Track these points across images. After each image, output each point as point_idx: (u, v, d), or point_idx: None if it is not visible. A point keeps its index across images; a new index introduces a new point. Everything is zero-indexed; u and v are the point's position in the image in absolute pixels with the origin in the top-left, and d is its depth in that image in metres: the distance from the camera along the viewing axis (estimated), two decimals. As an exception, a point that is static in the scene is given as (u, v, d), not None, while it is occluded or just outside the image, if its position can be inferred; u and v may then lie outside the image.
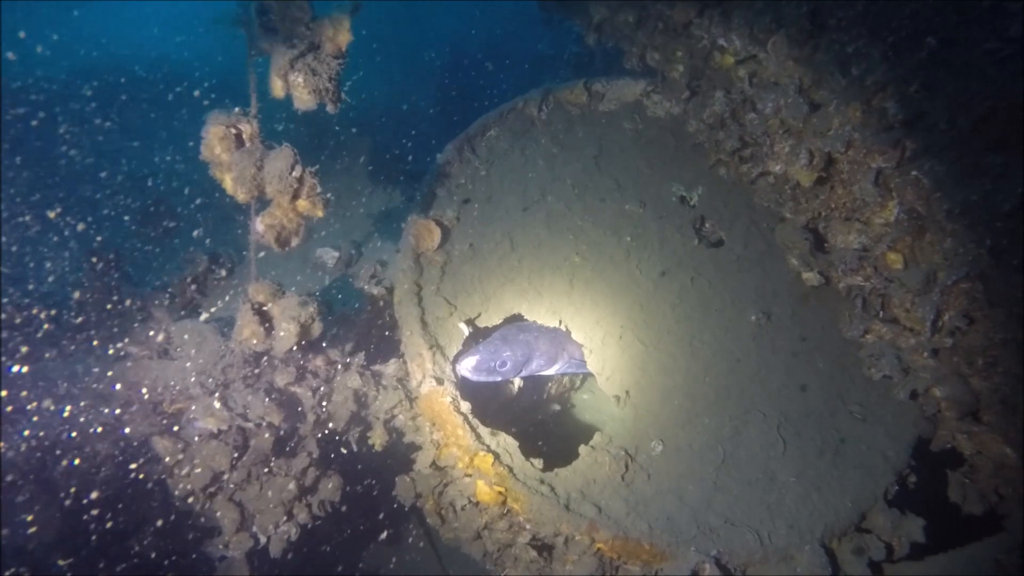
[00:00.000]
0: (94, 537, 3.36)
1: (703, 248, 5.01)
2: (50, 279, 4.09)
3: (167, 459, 3.38)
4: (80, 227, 4.68)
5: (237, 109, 2.90)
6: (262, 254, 3.56)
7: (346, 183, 6.08)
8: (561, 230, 4.91)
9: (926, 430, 4.09)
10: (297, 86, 2.77)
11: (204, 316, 4.14)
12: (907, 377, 3.85)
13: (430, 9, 15.58)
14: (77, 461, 2.99)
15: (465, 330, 4.38)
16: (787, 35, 4.07)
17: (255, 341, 3.18)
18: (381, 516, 4.88)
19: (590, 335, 4.52)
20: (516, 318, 4.58)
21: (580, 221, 4.98)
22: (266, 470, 3.65)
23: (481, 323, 4.49)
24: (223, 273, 4.63)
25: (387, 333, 4.41)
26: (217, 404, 3.38)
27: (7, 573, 2.99)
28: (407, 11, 15.47)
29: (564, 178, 5.18)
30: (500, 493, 3.73)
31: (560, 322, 4.53)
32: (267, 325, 3.26)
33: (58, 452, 3.00)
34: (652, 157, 5.42)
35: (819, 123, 4.01)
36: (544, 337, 4.54)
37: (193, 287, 4.47)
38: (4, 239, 4.49)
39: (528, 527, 3.81)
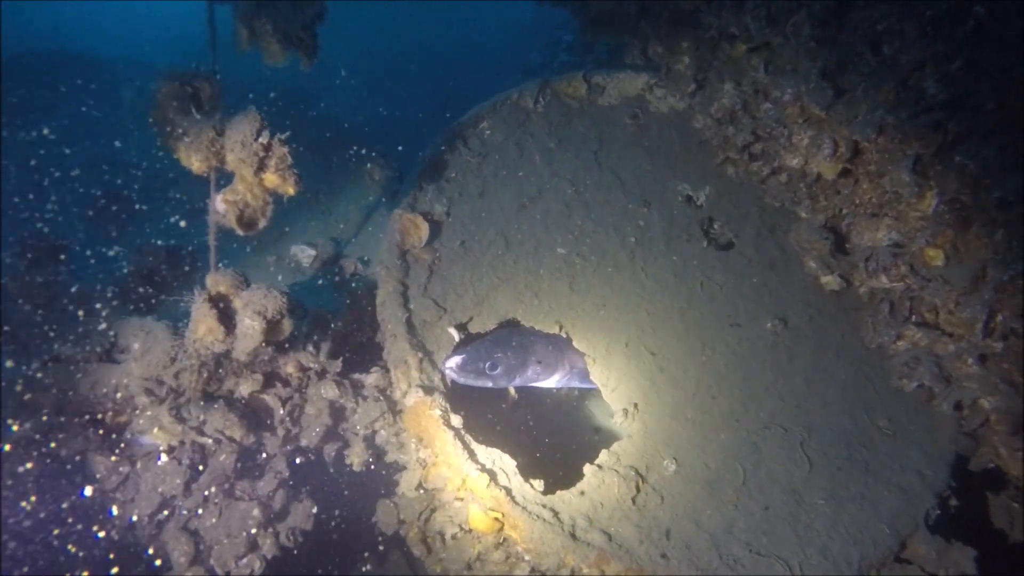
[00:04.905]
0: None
1: (712, 250, 4.66)
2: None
3: (106, 481, 2.88)
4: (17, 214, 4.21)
5: (195, 64, 2.47)
6: (237, 256, 3.11)
7: (325, 177, 5.67)
8: (560, 229, 4.54)
9: (965, 446, 3.70)
10: (265, 34, 2.36)
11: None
12: (949, 387, 3.47)
13: (420, 20, 15.48)
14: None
15: (455, 335, 3.94)
16: (809, 14, 3.75)
17: (213, 339, 2.72)
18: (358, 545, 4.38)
19: (593, 343, 4.11)
20: (512, 323, 4.16)
21: (580, 220, 4.61)
22: (226, 493, 3.16)
23: (473, 328, 4.06)
24: (186, 269, 4.16)
25: (368, 337, 3.95)
26: (168, 415, 2.88)
27: None
28: (397, 23, 15.36)
29: (562, 174, 4.82)
30: (496, 519, 3.26)
31: (560, 328, 4.12)
32: (228, 322, 2.80)
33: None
34: (656, 154, 5.09)
35: (845, 109, 3.68)
36: (542, 343, 4.11)
37: (146, 282, 3.97)
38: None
39: (528, 558, 3.36)
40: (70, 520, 2.81)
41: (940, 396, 3.50)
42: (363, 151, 5.89)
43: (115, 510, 2.97)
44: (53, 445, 2.64)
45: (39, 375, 2.68)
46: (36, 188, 4.81)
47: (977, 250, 3.18)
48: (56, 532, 2.73)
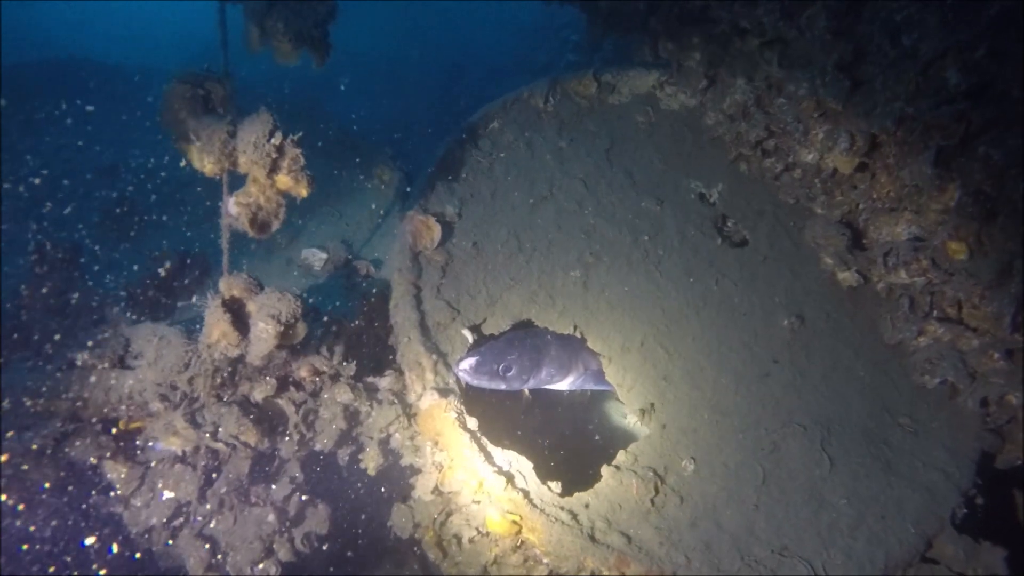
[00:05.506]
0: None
1: (726, 248, 4.62)
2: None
3: (121, 487, 2.85)
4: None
5: (206, 66, 2.44)
6: (248, 260, 3.08)
7: (335, 179, 5.64)
8: (572, 228, 4.49)
9: (990, 444, 3.63)
10: (276, 34, 2.33)
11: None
12: (975, 383, 3.40)
13: (424, 20, 15.52)
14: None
15: (469, 337, 3.89)
16: (824, 6, 3.69)
17: (227, 343, 2.69)
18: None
19: (608, 342, 4.07)
20: (526, 324, 4.11)
21: (592, 219, 4.56)
22: (241, 499, 3.13)
23: (487, 329, 4.01)
24: (196, 274, 4.14)
25: (382, 340, 3.91)
26: (182, 421, 2.86)
27: None
28: (407, 24, 15.42)
29: (574, 173, 4.77)
30: (514, 522, 3.22)
31: (575, 328, 4.07)
32: (242, 325, 2.77)
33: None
34: (668, 152, 5.04)
35: (863, 101, 3.62)
36: (556, 344, 4.06)
37: (158, 288, 3.95)
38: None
39: (546, 561, 3.30)
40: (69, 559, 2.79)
41: (965, 392, 3.43)
42: (372, 152, 5.87)
43: (115, 548, 2.95)
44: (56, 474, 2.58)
45: (54, 380, 2.66)
46: (50, 194, 4.81)
47: (1003, 243, 3.11)
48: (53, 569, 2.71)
